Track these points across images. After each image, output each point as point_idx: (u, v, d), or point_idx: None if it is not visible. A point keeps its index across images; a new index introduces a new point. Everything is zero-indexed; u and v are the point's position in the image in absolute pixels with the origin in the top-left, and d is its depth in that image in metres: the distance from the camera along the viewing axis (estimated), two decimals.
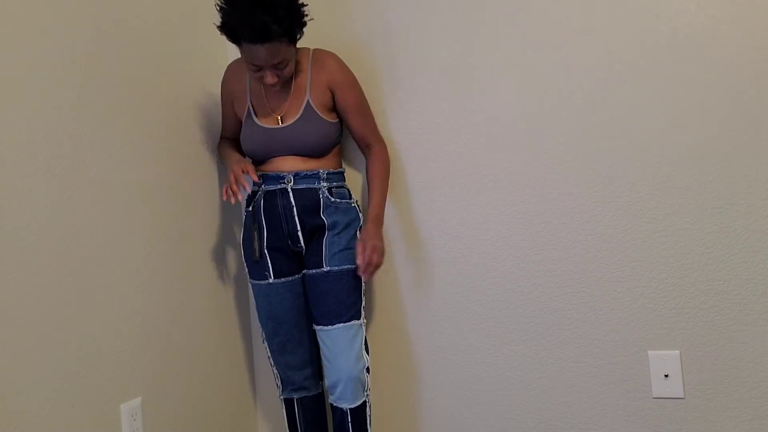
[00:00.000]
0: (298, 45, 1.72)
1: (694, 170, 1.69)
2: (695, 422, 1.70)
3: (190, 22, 1.96)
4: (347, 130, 1.88)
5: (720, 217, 1.67)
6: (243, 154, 1.87)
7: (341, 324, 1.70)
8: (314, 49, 1.81)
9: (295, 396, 1.83)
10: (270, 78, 1.65)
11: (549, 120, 1.81)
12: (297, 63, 1.78)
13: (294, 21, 1.60)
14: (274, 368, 1.83)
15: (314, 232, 1.75)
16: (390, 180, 1.92)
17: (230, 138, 1.94)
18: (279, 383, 1.84)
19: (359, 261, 1.68)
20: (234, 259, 2.04)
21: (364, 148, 1.87)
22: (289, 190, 1.74)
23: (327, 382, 1.73)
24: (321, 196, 1.75)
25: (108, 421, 1.52)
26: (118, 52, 1.65)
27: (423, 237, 1.93)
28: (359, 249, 1.70)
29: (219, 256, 1.98)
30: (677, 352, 1.71)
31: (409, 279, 1.95)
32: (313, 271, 1.74)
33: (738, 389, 1.66)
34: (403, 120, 1.95)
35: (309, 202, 1.75)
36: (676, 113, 1.71)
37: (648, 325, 1.73)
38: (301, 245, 1.76)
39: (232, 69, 1.87)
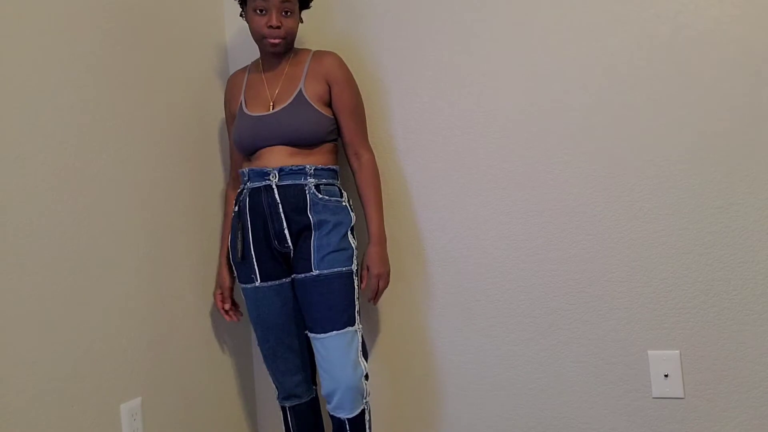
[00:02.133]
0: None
1: (694, 170, 1.69)
2: (695, 422, 1.70)
3: (192, 23, 1.96)
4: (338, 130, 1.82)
5: (720, 217, 1.67)
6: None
7: (335, 331, 1.62)
8: (315, 50, 1.82)
9: (287, 404, 1.80)
10: (275, 19, 1.66)
11: (549, 120, 1.81)
12: (296, 57, 1.79)
13: None
14: (269, 372, 1.80)
15: (301, 232, 1.68)
16: (391, 179, 1.92)
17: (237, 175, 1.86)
18: (275, 388, 1.81)
19: (365, 289, 1.75)
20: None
21: (352, 155, 1.79)
22: (274, 186, 1.67)
23: (323, 391, 1.64)
24: (307, 192, 1.67)
25: (108, 421, 1.52)
26: (118, 54, 1.65)
27: (423, 237, 1.93)
28: (364, 275, 1.75)
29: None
30: (677, 352, 1.71)
31: (409, 279, 1.95)
32: (303, 276, 1.67)
33: (738, 389, 1.66)
34: (402, 120, 1.95)
35: (295, 199, 1.67)
36: (676, 113, 1.71)
37: (648, 325, 1.73)
38: (289, 246, 1.68)
39: (231, 77, 1.88)
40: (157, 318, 1.70)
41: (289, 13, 1.70)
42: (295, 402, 1.79)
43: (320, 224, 1.67)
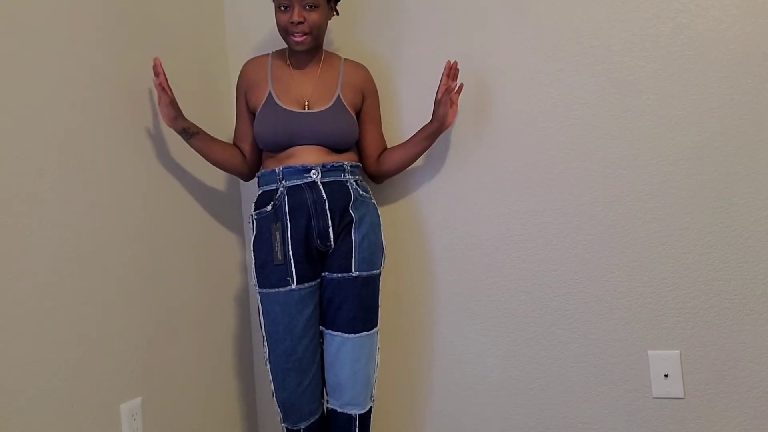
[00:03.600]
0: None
1: (694, 170, 1.69)
2: (695, 422, 1.70)
3: (192, 23, 1.96)
4: (361, 141, 1.83)
5: (720, 217, 1.67)
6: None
7: (366, 332, 1.65)
8: (345, 58, 1.82)
9: (303, 426, 1.65)
10: (297, 15, 1.61)
11: (549, 120, 1.81)
12: (328, 60, 1.78)
13: None
14: (281, 394, 1.63)
15: (342, 229, 1.64)
16: (390, 179, 1.92)
17: (238, 147, 1.82)
18: (282, 411, 1.64)
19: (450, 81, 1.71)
20: (236, 260, 2.04)
21: (377, 156, 1.84)
22: (319, 183, 1.63)
23: (334, 387, 1.66)
24: (350, 188, 1.66)
25: (108, 421, 1.52)
26: (118, 53, 1.65)
27: (424, 237, 1.93)
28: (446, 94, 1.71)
29: (222, 258, 1.98)
30: (677, 352, 1.71)
31: (410, 279, 1.95)
32: (339, 276, 1.64)
33: (738, 389, 1.66)
34: (403, 120, 1.95)
35: (339, 195, 1.64)
36: (676, 113, 1.71)
37: (648, 325, 1.73)
38: (331, 244, 1.63)
39: (250, 63, 1.80)
40: (157, 318, 1.70)
41: (313, 7, 1.62)
42: (312, 420, 1.66)
43: (360, 220, 1.66)
